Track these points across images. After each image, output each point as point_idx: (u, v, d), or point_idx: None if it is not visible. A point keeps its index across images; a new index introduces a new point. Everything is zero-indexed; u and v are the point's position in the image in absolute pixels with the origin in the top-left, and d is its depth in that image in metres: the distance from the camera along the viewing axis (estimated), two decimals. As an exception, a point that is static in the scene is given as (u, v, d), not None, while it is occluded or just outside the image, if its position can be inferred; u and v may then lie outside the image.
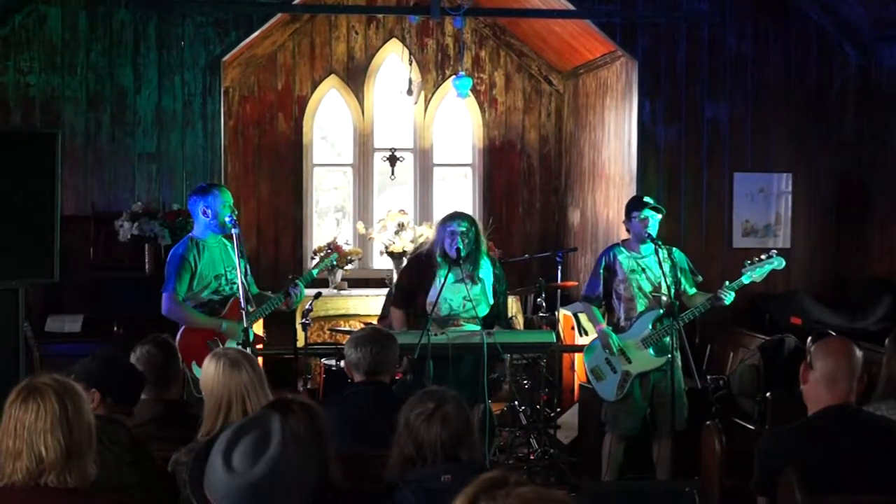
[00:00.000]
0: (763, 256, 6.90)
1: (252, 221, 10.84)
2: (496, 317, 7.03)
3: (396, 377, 6.65)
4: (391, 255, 10.52)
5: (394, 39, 11.21)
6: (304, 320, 8.54)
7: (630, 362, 6.96)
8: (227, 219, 6.59)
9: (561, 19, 9.73)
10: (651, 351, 6.95)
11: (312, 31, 11.09)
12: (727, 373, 8.22)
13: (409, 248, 10.11)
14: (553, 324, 8.68)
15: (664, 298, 6.98)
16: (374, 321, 9.15)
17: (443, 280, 6.63)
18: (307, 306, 8.45)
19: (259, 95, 11.00)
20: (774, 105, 9.28)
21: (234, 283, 6.50)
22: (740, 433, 7.05)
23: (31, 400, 3.09)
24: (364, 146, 11.39)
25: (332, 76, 11.18)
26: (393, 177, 11.24)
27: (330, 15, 10.93)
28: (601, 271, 7.13)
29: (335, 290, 10.48)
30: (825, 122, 9.34)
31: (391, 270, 10.62)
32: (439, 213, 7.10)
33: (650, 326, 6.95)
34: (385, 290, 9.33)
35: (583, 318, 8.69)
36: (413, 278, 7.01)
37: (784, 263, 6.96)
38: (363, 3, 11.06)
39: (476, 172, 11.61)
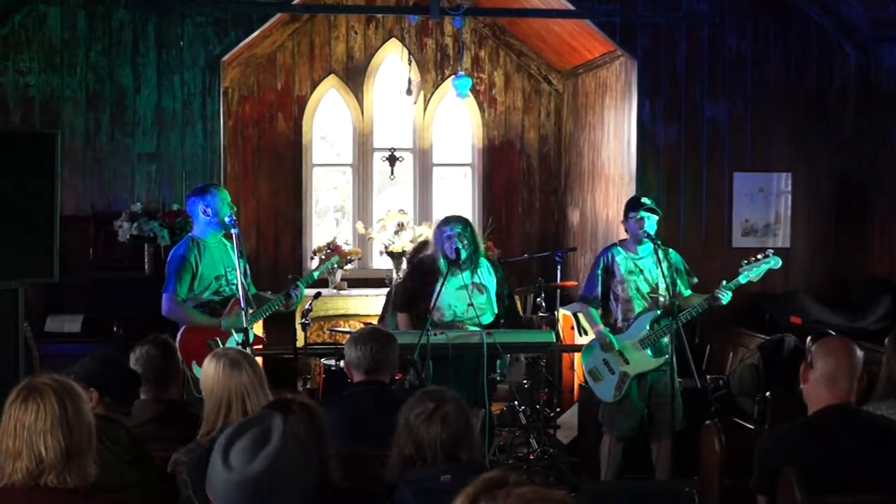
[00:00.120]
0: (759, 256, 6.92)
1: (252, 221, 10.84)
2: (507, 320, 7.06)
3: (396, 377, 6.65)
4: (391, 254, 10.52)
5: (393, 39, 11.21)
6: (303, 320, 8.54)
7: (628, 363, 6.96)
8: (226, 218, 6.59)
9: (560, 19, 9.73)
10: (649, 352, 6.95)
11: (312, 30, 11.09)
12: (727, 372, 8.22)
13: (409, 247, 10.11)
14: (553, 324, 8.68)
15: (661, 299, 6.99)
16: (374, 321, 9.16)
17: (441, 284, 6.64)
18: (307, 306, 8.45)
19: (258, 95, 11.00)
20: (774, 105, 9.28)
21: (234, 283, 6.50)
22: (740, 433, 7.05)
23: (31, 400, 3.09)
24: (363, 146, 11.39)
25: (332, 76, 11.18)
26: (392, 177, 11.24)
27: (329, 15, 10.93)
28: (599, 272, 7.12)
29: (335, 290, 10.48)
30: (825, 121, 9.34)
31: (391, 270, 10.62)
32: (439, 213, 7.13)
33: (648, 327, 6.95)
34: (385, 290, 9.33)
35: (582, 318, 8.69)
36: (416, 283, 7.03)
37: (781, 263, 6.96)
38: (362, 2, 11.06)
39: (475, 172, 11.61)
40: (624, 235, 7.28)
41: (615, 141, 9.72)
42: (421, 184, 11.53)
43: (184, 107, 8.87)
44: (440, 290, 6.64)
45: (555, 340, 7.66)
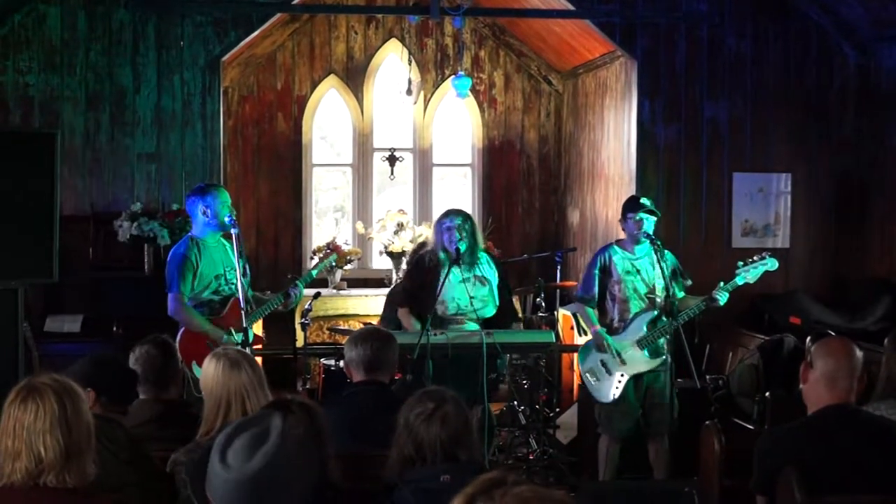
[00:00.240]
0: (756, 258, 6.92)
1: (251, 221, 10.84)
2: (505, 316, 7.07)
3: (395, 377, 6.66)
4: (390, 254, 10.53)
5: (393, 39, 11.21)
6: (303, 320, 8.54)
7: (625, 364, 6.95)
8: (226, 218, 6.59)
9: (560, 19, 9.73)
10: (646, 352, 6.95)
11: (312, 30, 11.09)
12: (726, 373, 8.22)
13: (409, 247, 10.11)
14: (552, 324, 8.68)
15: (659, 300, 6.99)
16: (374, 321, 9.16)
17: (444, 277, 6.66)
18: (306, 306, 8.45)
19: (258, 95, 11.00)
20: (774, 105, 9.29)
21: (234, 283, 6.50)
22: (739, 433, 7.05)
23: (31, 400, 3.09)
24: (363, 146, 11.39)
25: (332, 76, 11.18)
26: (392, 177, 11.24)
27: (329, 15, 10.93)
28: (596, 272, 7.10)
29: (334, 290, 10.49)
30: (825, 122, 9.34)
31: (390, 270, 10.63)
32: (438, 214, 7.14)
33: (645, 328, 6.94)
34: (385, 290, 9.33)
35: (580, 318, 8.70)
36: (416, 280, 7.04)
37: (777, 265, 6.96)
38: (362, 2, 11.06)
39: (475, 172, 11.61)
40: (622, 235, 7.27)
41: (615, 141, 9.72)
42: (421, 184, 11.54)
43: (184, 107, 8.87)
44: (443, 284, 6.65)
45: (554, 340, 7.65)
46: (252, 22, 8.99)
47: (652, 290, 7.00)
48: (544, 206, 11.60)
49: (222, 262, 6.69)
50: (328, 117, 11.63)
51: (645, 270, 7.01)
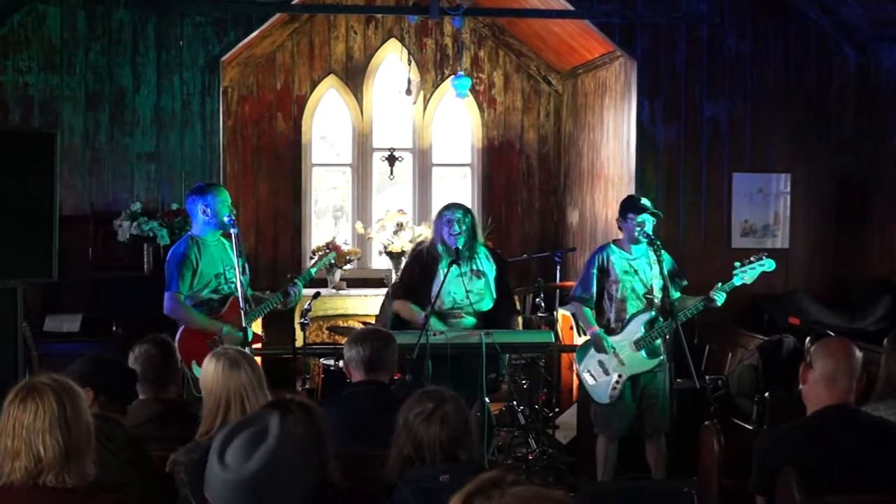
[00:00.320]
0: (753, 259, 6.93)
1: (251, 221, 10.84)
2: (502, 308, 7.08)
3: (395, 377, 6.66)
4: (390, 254, 10.52)
5: (393, 39, 11.21)
6: (302, 320, 8.54)
7: (623, 364, 6.95)
8: (225, 218, 6.59)
9: (560, 19, 9.73)
10: (644, 353, 6.95)
11: (311, 30, 11.09)
12: (726, 373, 8.21)
13: (408, 247, 10.12)
14: (552, 324, 8.69)
15: (656, 301, 6.99)
16: (373, 321, 9.16)
17: (445, 272, 6.68)
18: (306, 306, 8.44)
19: (258, 95, 11.00)
20: (773, 105, 9.28)
21: (233, 282, 6.50)
22: (739, 433, 7.05)
23: (30, 399, 3.09)
24: (363, 146, 11.39)
25: (331, 76, 11.18)
26: (392, 177, 11.24)
27: (329, 15, 10.93)
28: (594, 271, 7.09)
29: (334, 290, 10.48)
30: (824, 122, 9.34)
31: (390, 270, 10.62)
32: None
33: (643, 329, 6.94)
34: (384, 290, 9.33)
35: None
36: (415, 273, 7.06)
37: (774, 266, 6.97)
38: (362, 2, 11.05)
39: (475, 172, 11.61)
40: (620, 235, 7.26)
41: (614, 141, 9.72)
42: (420, 184, 11.54)
43: (183, 106, 8.87)
44: (442, 283, 6.66)
45: (554, 340, 7.65)
46: (251, 22, 8.99)
47: (649, 291, 7.00)
48: (544, 207, 11.60)
49: (222, 261, 6.69)
50: (328, 117, 11.63)
51: (642, 271, 7.01)
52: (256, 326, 7.51)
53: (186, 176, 8.82)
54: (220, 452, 2.51)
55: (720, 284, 6.85)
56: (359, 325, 9.18)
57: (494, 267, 7.03)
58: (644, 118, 9.15)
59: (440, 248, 6.91)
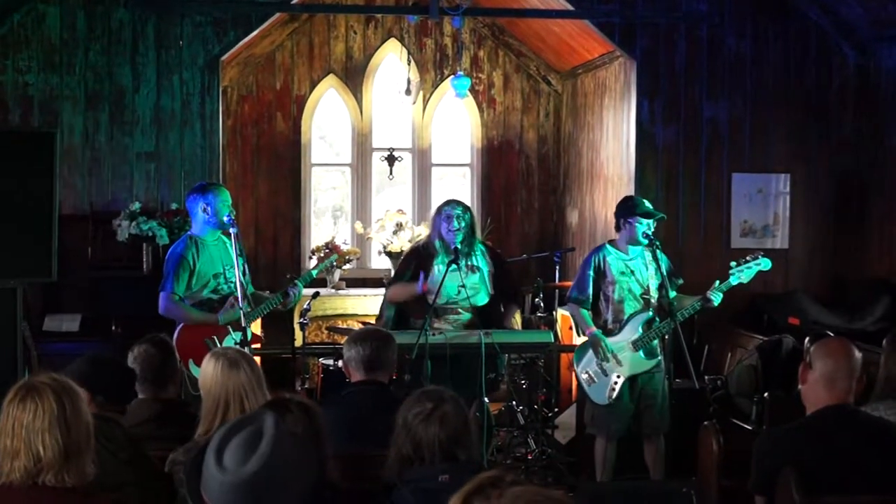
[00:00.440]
0: (749, 258, 6.92)
1: (250, 221, 10.84)
2: (498, 302, 7.09)
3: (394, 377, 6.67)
4: (389, 254, 10.52)
5: (392, 39, 11.21)
6: (301, 320, 8.54)
7: (621, 365, 6.95)
8: (225, 217, 6.59)
9: (560, 19, 9.73)
10: (641, 354, 6.94)
11: (311, 30, 11.09)
12: (725, 373, 8.22)
13: (407, 247, 10.11)
14: (551, 324, 8.68)
15: (653, 301, 6.99)
16: (372, 321, 9.15)
17: (444, 271, 6.69)
18: (305, 306, 8.44)
19: (257, 95, 11.00)
20: (773, 105, 9.28)
21: (233, 281, 6.50)
22: (738, 433, 7.05)
23: (30, 399, 3.09)
24: (362, 146, 11.39)
25: (331, 76, 11.18)
26: (391, 177, 11.23)
27: (328, 14, 10.93)
28: (590, 272, 7.07)
29: (333, 290, 10.48)
30: (824, 122, 9.34)
31: (389, 270, 10.62)
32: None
33: (640, 329, 6.94)
34: (383, 290, 9.32)
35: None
36: (412, 268, 7.07)
37: (770, 265, 6.96)
38: (362, 2, 11.05)
39: (474, 172, 11.61)
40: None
41: (614, 141, 9.72)
42: (420, 184, 11.53)
43: (183, 106, 8.87)
44: (442, 281, 6.67)
45: (553, 341, 7.65)
46: (251, 22, 8.99)
47: (646, 291, 7.00)
48: (543, 207, 11.60)
49: (222, 261, 6.69)
50: (327, 117, 11.63)
51: (639, 271, 7.01)
52: (256, 326, 7.51)
53: (186, 176, 8.83)
54: (217, 454, 2.51)
55: (717, 283, 6.85)
56: (358, 325, 9.18)
57: (491, 263, 7.04)
58: (643, 118, 9.15)
59: (437, 243, 6.93)
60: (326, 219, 12.41)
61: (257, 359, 5.26)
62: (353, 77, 11.22)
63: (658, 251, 6.90)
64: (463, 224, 6.86)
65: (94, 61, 8.77)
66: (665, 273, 6.84)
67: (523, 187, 11.59)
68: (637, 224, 6.90)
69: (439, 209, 7.05)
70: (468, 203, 11.30)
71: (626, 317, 6.99)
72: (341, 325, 9.73)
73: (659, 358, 6.95)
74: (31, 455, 3.05)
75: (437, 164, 11.72)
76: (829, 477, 3.94)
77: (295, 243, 11.10)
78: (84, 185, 8.76)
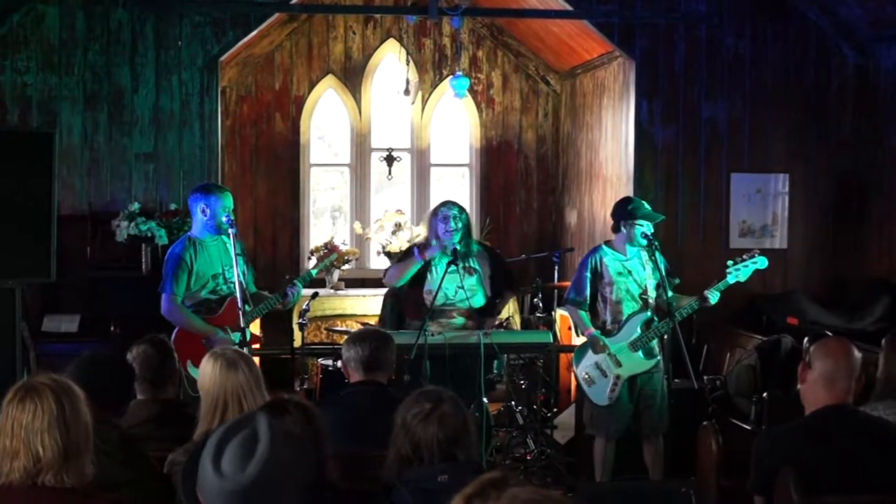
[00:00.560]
0: (746, 256, 6.93)
1: (249, 221, 10.84)
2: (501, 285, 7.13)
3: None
4: (388, 255, 10.52)
5: (391, 39, 11.21)
6: (300, 320, 8.53)
7: (620, 366, 6.94)
8: (224, 218, 6.58)
9: (558, 19, 9.73)
10: (641, 354, 6.94)
11: (310, 30, 11.09)
12: (724, 373, 8.22)
13: (406, 248, 10.11)
14: (550, 324, 8.69)
15: (651, 301, 6.99)
16: (371, 321, 9.16)
17: (443, 271, 6.69)
18: (304, 306, 8.44)
19: (256, 95, 11.00)
20: (772, 105, 9.29)
21: (232, 282, 6.49)
22: (737, 433, 7.05)
23: (29, 399, 3.09)
24: (361, 146, 11.39)
25: (330, 76, 11.18)
26: (390, 177, 11.24)
27: (327, 15, 10.93)
28: (587, 274, 7.07)
29: (332, 291, 10.48)
30: (823, 122, 9.34)
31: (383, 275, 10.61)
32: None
33: (639, 330, 6.94)
34: (382, 290, 9.32)
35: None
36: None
37: (767, 263, 6.97)
38: (360, 3, 11.06)
39: (473, 172, 11.61)
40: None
41: (613, 141, 9.72)
42: (418, 184, 11.54)
43: (182, 106, 8.87)
44: (443, 276, 6.68)
45: (552, 341, 7.66)
46: (250, 22, 8.99)
47: (644, 291, 6.99)
48: (542, 207, 11.61)
49: (221, 261, 6.69)
50: (326, 117, 11.63)
51: (636, 271, 7.01)
52: (255, 327, 7.51)
53: (185, 176, 8.82)
54: (214, 461, 2.50)
55: (716, 283, 6.86)
56: (357, 326, 9.18)
57: (489, 265, 7.05)
58: (642, 118, 9.15)
59: (433, 242, 6.93)
60: (325, 219, 12.41)
61: (256, 359, 5.26)
62: (352, 77, 11.22)
63: (657, 252, 6.90)
64: (460, 225, 6.86)
65: (93, 61, 8.77)
66: (663, 272, 6.83)
67: (522, 187, 11.59)
68: (636, 226, 6.90)
69: (435, 210, 7.05)
70: (467, 203, 11.40)
71: (624, 317, 6.99)
72: (340, 325, 9.73)
73: (658, 358, 6.95)
74: (30, 455, 3.05)
75: (435, 165, 11.72)
76: (828, 477, 3.94)
77: (294, 244, 11.10)
78: (83, 186, 8.76)
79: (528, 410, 8.47)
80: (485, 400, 6.62)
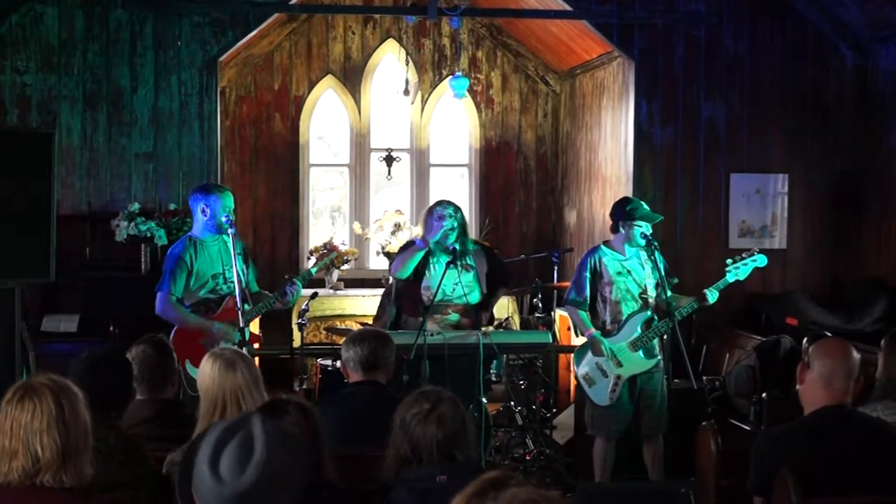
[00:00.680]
0: (745, 255, 6.92)
1: (248, 221, 10.84)
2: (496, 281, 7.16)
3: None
4: (387, 255, 10.52)
5: (391, 40, 11.21)
6: (300, 320, 8.53)
7: (621, 366, 6.94)
8: (223, 219, 6.59)
9: (558, 20, 9.73)
10: (641, 354, 6.94)
11: (309, 31, 11.10)
12: (723, 373, 8.22)
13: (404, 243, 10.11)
14: (549, 324, 8.69)
15: (651, 301, 6.99)
16: (371, 321, 9.15)
17: (443, 268, 6.70)
18: (303, 306, 8.44)
19: (256, 95, 11.00)
20: (771, 106, 9.29)
21: (233, 282, 6.49)
22: (736, 434, 7.04)
23: (28, 399, 3.09)
24: (360, 146, 11.39)
25: (329, 76, 11.19)
26: (389, 177, 11.24)
27: (327, 15, 10.94)
28: (587, 274, 7.06)
29: (331, 291, 10.47)
30: (822, 122, 9.34)
31: (387, 271, 10.61)
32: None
33: (639, 329, 6.93)
34: (381, 291, 9.32)
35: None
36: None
37: (766, 261, 6.97)
38: (360, 3, 11.06)
39: (472, 173, 11.62)
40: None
41: (612, 142, 9.72)
42: (418, 184, 11.54)
43: (181, 107, 8.87)
44: (444, 274, 6.69)
45: (551, 341, 7.65)
46: (249, 22, 8.99)
47: (644, 291, 6.99)
48: (541, 207, 11.61)
49: (222, 261, 6.69)
50: (325, 117, 11.63)
51: (635, 271, 7.00)
52: (254, 326, 7.51)
53: (184, 176, 8.83)
54: (212, 466, 2.49)
55: (716, 282, 6.86)
56: (356, 326, 9.18)
57: (485, 262, 7.06)
58: (642, 118, 9.16)
59: (432, 245, 6.94)
60: (324, 219, 12.41)
61: (255, 359, 5.26)
62: (352, 77, 11.23)
63: (657, 252, 6.90)
64: (455, 224, 6.87)
65: (93, 62, 8.77)
66: (661, 272, 6.83)
67: (521, 188, 11.60)
68: (635, 227, 6.90)
69: (431, 210, 7.06)
70: (467, 203, 11.41)
71: (624, 317, 6.99)
72: (339, 325, 9.72)
73: (658, 358, 6.94)
74: (29, 455, 3.05)
75: (435, 165, 11.72)
76: (827, 477, 3.94)
77: (293, 244, 11.11)
78: (82, 186, 8.76)
79: (528, 410, 8.47)
80: (484, 400, 6.61)
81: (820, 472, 3.94)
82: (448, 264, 6.72)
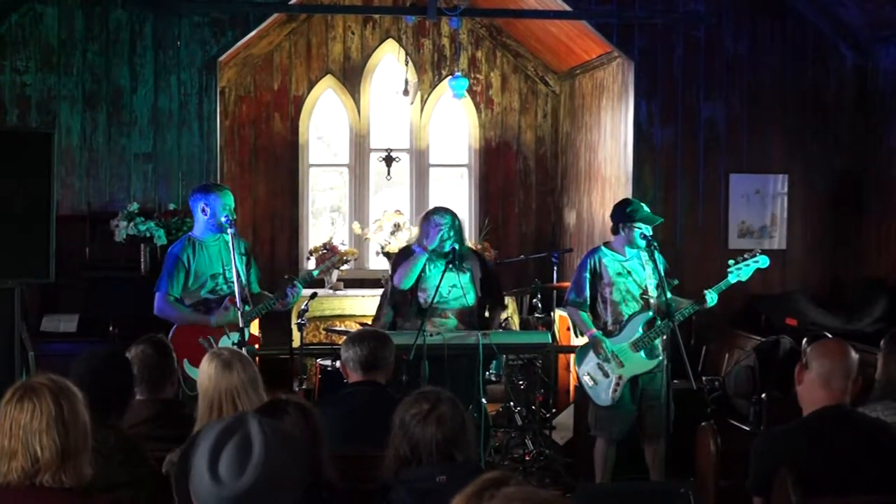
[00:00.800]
0: (747, 255, 6.92)
1: (248, 221, 10.84)
2: (490, 297, 7.19)
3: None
4: (387, 255, 10.51)
5: (390, 40, 11.21)
6: (299, 320, 8.52)
7: (622, 366, 6.94)
8: (223, 218, 6.59)
9: (557, 20, 9.73)
10: (643, 354, 6.93)
11: (309, 31, 11.09)
12: (722, 374, 8.22)
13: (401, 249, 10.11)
14: (549, 324, 8.69)
15: (653, 301, 6.98)
16: (370, 321, 9.14)
17: (443, 271, 6.70)
18: (303, 306, 8.44)
19: (255, 95, 11.00)
20: (771, 106, 9.29)
21: (233, 282, 6.50)
22: (735, 434, 7.04)
23: (27, 399, 3.09)
24: (360, 146, 11.39)
25: (329, 76, 11.18)
26: (389, 177, 11.24)
27: (326, 15, 10.93)
28: (587, 275, 7.07)
29: (331, 291, 10.47)
30: (822, 123, 9.34)
31: (387, 271, 10.60)
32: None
33: (641, 330, 6.93)
34: (381, 291, 9.32)
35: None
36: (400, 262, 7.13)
37: (768, 262, 6.97)
38: (359, 3, 11.06)
39: (472, 173, 11.61)
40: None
41: (612, 142, 9.72)
42: (417, 184, 11.53)
43: (180, 107, 8.87)
44: (439, 284, 6.70)
45: (551, 341, 7.66)
46: (249, 22, 8.99)
47: (645, 291, 6.99)
48: (541, 207, 11.61)
49: (222, 261, 6.70)
50: (325, 118, 11.63)
51: (636, 272, 7.00)
52: (254, 327, 7.51)
53: (184, 176, 8.82)
54: (210, 468, 2.48)
55: (717, 283, 6.86)
56: (356, 326, 9.17)
57: (478, 267, 7.08)
58: (641, 119, 9.15)
59: (430, 250, 6.95)
60: (324, 219, 12.41)
61: (255, 359, 5.26)
62: (351, 77, 11.23)
63: (657, 252, 6.90)
64: (452, 233, 6.89)
65: (92, 62, 8.77)
66: (662, 273, 6.83)
67: (521, 188, 11.60)
68: (635, 229, 6.90)
69: (427, 216, 7.10)
70: (466, 204, 11.42)
71: (625, 318, 6.99)
72: (339, 325, 9.72)
73: (660, 358, 6.92)
74: (28, 455, 3.04)
75: (434, 165, 11.72)
76: (827, 477, 3.94)
77: (292, 244, 11.10)
78: (82, 186, 8.76)
79: (527, 411, 8.47)
80: (483, 400, 6.62)
81: (819, 472, 3.95)
82: (447, 265, 6.73)
